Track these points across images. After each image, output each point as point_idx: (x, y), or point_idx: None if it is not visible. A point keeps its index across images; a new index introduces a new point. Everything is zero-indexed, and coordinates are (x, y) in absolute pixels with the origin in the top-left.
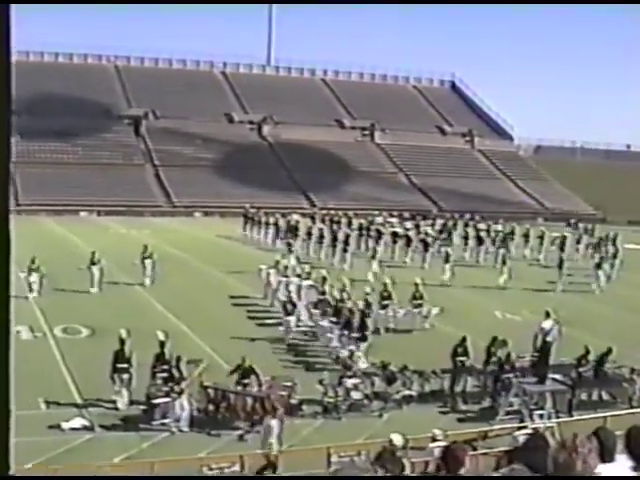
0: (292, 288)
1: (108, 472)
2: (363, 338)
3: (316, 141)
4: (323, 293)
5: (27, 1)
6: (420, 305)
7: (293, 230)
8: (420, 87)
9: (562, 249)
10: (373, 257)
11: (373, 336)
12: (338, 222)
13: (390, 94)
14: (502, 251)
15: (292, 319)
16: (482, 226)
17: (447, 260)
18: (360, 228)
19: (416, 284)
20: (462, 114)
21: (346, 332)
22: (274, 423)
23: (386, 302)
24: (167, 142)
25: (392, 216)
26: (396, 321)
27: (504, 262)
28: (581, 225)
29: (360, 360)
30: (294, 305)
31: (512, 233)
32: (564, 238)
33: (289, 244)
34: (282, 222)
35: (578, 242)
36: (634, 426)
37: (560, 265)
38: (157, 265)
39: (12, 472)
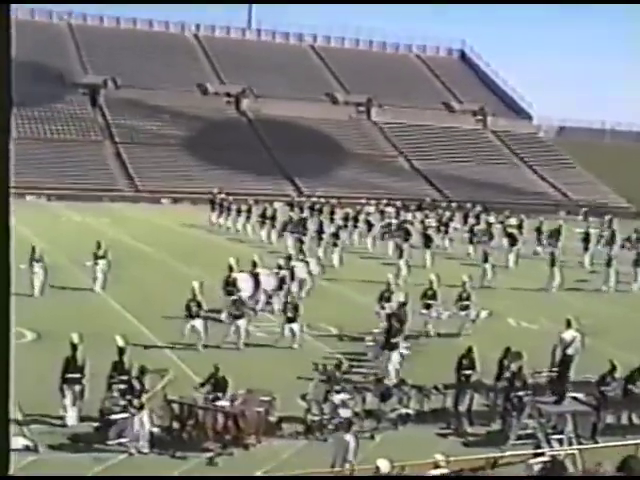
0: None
1: None
2: (393, 346)
3: (303, 118)
4: None
5: (27, 1)
6: (467, 307)
7: (300, 224)
8: (424, 57)
9: (586, 248)
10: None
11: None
12: (320, 210)
13: (390, 64)
14: (483, 246)
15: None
16: (492, 219)
17: (486, 259)
18: (345, 219)
19: (463, 283)
20: (473, 88)
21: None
22: (349, 437)
23: (430, 302)
24: (129, 115)
25: (388, 205)
26: (438, 324)
27: (485, 260)
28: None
29: (390, 374)
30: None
31: (520, 227)
32: (587, 235)
33: (300, 241)
34: (255, 209)
35: (601, 238)
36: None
37: (609, 263)
38: (115, 262)
39: (12, 472)
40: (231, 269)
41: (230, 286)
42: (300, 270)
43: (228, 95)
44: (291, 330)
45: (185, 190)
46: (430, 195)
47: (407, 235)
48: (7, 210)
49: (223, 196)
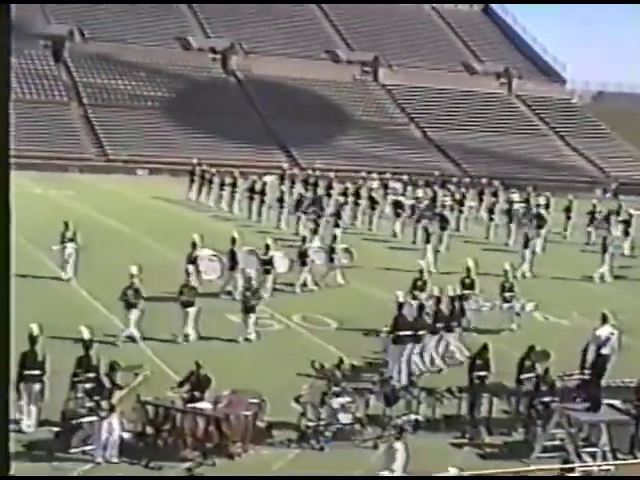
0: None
1: None
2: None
3: (300, 79)
4: None
5: (27, 1)
6: (511, 298)
7: (317, 202)
8: (441, 10)
9: (626, 232)
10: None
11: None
12: (315, 184)
13: (400, 18)
14: (525, 230)
15: None
16: (516, 197)
17: (526, 245)
18: (344, 194)
19: (505, 271)
20: (497, 47)
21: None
22: (399, 446)
23: (467, 292)
24: (99, 73)
25: (399, 181)
26: (477, 317)
27: (526, 245)
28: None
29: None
30: None
31: (547, 206)
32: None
33: (315, 222)
34: (242, 182)
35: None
36: None
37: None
38: (84, 244)
39: (12, 472)
40: (194, 246)
41: (190, 264)
42: (318, 256)
43: (213, 51)
44: (245, 321)
45: (164, 160)
46: (446, 169)
47: (440, 218)
48: (7, 210)
49: (204, 167)
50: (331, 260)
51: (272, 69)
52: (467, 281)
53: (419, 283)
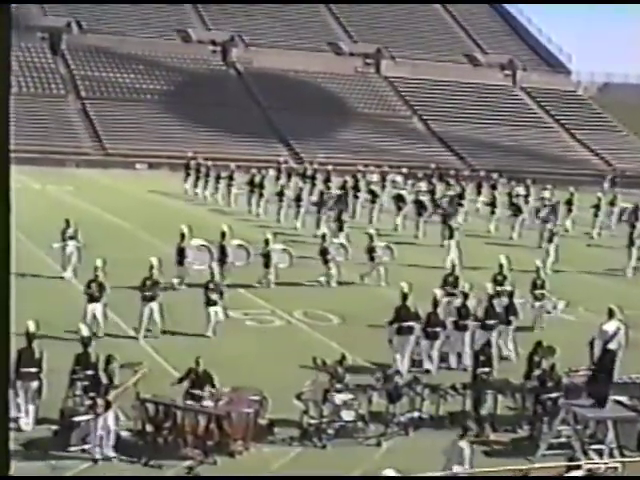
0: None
1: None
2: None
3: (302, 71)
4: None
5: (27, 1)
6: (542, 296)
7: (342, 200)
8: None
9: (633, 226)
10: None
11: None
12: (313, 178)
13: (403, 10)
14: (549, 225)
15: None
16: (521, 190)
17: (551, 240)
18: (343, 187)
19: (537, 268)
20: (501, 39)
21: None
22: (464, 444)
23: (500, 288)
24: (97, 66)
25: (400, 174)
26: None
27: (550, 240)
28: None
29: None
30: None
31: (570, 202)
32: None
33: (340, 220)
34: (238, 175)
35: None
36: None
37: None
38: (84, 240)
39: (12, 472)
40: (182, 237)
41: (179, 256)
42: (338, 252)
43: (214, 43)
44: (208, 315)
45: (163, 154)
46: (449, 162)
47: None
48: (7, 211)
49: (200, 161)
50: (372, 259)
51: (273, 61)
52: (499, 278)
53: (450, 279)
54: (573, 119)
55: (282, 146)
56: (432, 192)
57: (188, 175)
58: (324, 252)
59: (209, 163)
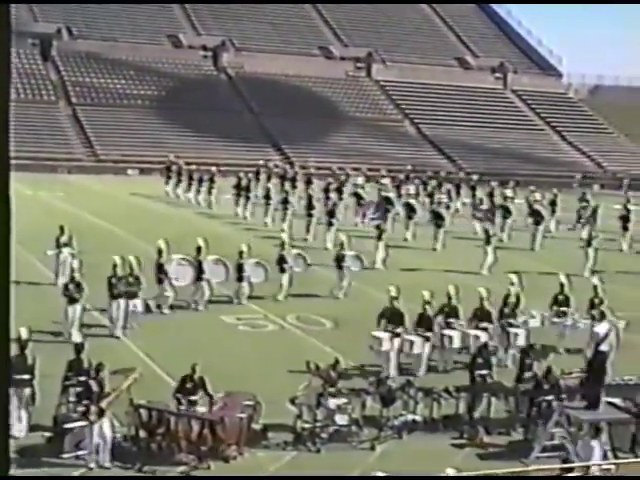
0: None
1: None
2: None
3: (293, 75)
4: None
5: (27, 1)
6: (564, 313)
7: (382, 207)
8: (435, 4)
9: (625, 227)
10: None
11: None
12: (293, 180)
13: (394, 13)
14: (541, 227)
15: None
16: (509, 193)
17: (589, 243)
18: (326, 190)
19: (561, 284)
20: (491, 41)
21: None
22: (595, 443)
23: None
24: (88, 72)
25: (386, 177)
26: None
27: (589, 243)
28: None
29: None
30: None
31: (554, 204)
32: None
33: (379, 228)
34: (218, 178)
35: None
36: None
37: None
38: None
39: (12, 472)
40: (160, 253)
41: (159, 273)
42: (354, 263)
43: (205, 48)
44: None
45: (155, 160)
46: (440, 165)
47: (435, 215)
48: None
49: (180, 163)
50: (340, 267)
51: (264, 66)
52: (560, 298)
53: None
54: (564, 121)
55: (274, 150)
56: (417, 194)
57: (169, 178)
58: (339, 259)
59: (193, 167)
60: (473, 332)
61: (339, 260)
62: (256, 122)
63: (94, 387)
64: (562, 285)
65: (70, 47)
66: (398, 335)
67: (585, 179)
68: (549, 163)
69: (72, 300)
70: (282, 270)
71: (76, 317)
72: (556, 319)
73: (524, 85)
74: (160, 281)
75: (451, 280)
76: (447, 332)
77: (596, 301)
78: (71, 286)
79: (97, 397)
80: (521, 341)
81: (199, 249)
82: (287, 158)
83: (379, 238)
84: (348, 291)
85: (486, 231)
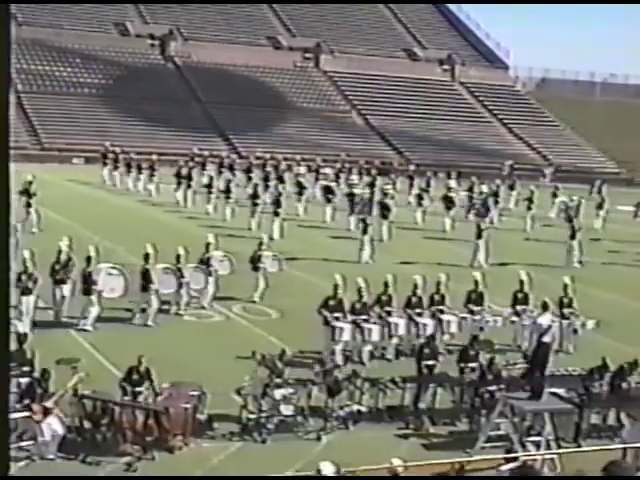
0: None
1: None
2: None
3: (241, 65)
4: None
5: (27, 1)
6: (570, 315)
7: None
8: None
9: (570, 220)
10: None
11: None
12: (231, 168)
13: (343, 4)
14: (488, 220)
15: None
16: (453, 184)
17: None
18: (266, 179)
19: (565, 285)
20: (440, 33)
21: None
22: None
23: (476, 307)
24: (33, 59)
25: (330, 167)
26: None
27: (573, 236)
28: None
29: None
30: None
31: (496, 195)
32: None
33: (364, 222)
34: (158, 166)
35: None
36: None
37: (572, 236)
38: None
39: (12, 472)
40: (89, 260)
41: (143, 280)
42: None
43: (152, 37)
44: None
45: (100, 149)
46: (388, 157)
47: (382, 206)
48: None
49: (117, 150)
50: (255, 269)
51: (212, 56)
52: (520, 295)
53: (474, 296)
54: (511, 114)
55: (221, 140)
56: (372, 185)
57: (105, 165)
58: (255, 260)
59: (133, 155)
60: (421, 320)
61: (255, 261)
62: (203, 112)
63: (37, 390)
64: (476, 282)
65: (15, 34)
66: (358, 325)
67: (513, 169)
68: (496, 155)
69: (26, 291)
70: (255, 269)
71: (30, 307)
72: (467, 315)
73: (472, 77)
74: (144, 289)
75: (406, 271)
76: (393, 320)
77: (564, 300)
78: (24, 277)
79: (41, 397)
80: (453, 328)
81: (147, 256)
82: (234, 148)
83: (365, 232)
84: (264, 293)
85: (572, 227)
